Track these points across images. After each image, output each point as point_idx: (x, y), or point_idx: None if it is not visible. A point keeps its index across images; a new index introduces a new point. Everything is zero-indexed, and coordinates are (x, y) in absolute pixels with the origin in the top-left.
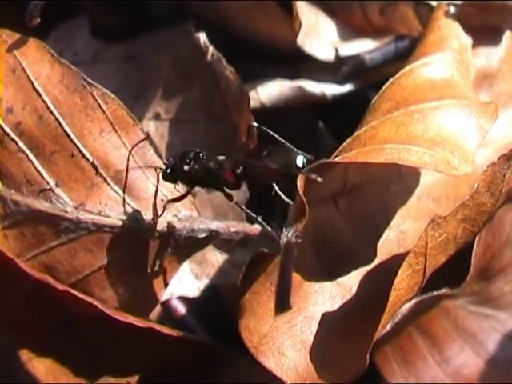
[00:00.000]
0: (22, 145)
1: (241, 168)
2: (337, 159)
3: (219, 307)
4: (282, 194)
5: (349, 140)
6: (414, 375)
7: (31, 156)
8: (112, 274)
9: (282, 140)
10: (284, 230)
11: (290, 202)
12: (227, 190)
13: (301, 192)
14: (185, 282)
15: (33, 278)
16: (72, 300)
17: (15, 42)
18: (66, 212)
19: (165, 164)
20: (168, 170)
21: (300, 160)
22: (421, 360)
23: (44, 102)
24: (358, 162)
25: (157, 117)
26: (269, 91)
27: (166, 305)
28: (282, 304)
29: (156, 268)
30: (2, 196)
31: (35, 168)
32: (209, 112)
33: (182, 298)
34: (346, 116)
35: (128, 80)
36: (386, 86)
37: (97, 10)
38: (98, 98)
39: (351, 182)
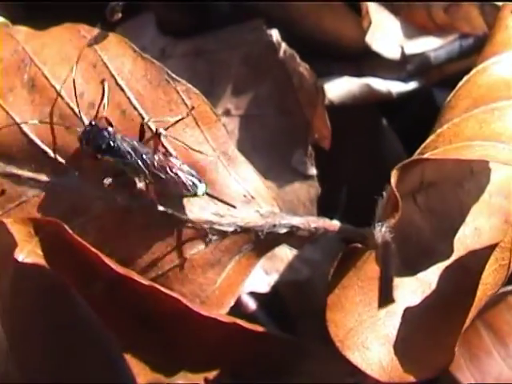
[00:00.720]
0: None
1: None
2: (426, 156)
3: (284, 303)
4: None
5: (432, 137)
6: (478, 369)
7: None
8: (192, 269)
9: None
10: (376, 225)
11: None
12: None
13: (394, 188)
14: (255, 278)
15: (116, 272)
16: (155, 295)
17: (95, 37)
18: (149, 206)
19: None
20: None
21: (201, 189)
22: (486, 354)
23: (127, 97)
24: (450, 158)
25: (227, 113)
26: (337, 88)
27: (236, 300)
28: (385, 298)
29: (234, 263)
30: (82, 190)
31: None
32: (280, 108)
33: (253, 293)
34: (410, 113)
35: (197, 76)
36: (460, 84)
37: (162, 8)
38: (181, 93)
39: (428, 179)
